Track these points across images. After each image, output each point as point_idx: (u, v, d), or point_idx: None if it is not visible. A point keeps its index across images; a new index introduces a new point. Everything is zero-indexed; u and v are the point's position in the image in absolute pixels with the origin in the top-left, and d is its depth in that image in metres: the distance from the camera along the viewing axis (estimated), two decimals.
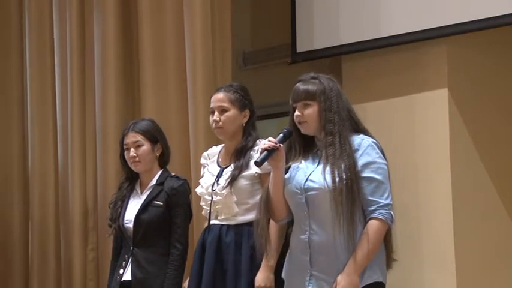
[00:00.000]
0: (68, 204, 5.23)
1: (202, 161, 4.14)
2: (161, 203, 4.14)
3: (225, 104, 3.95)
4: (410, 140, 4.39)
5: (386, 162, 3.46)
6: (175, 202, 4.13)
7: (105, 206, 4.83)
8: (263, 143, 3.50)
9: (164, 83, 4.86)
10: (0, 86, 5.74)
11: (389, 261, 3.50)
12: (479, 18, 4.17)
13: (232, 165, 3.93)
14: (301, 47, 4.92)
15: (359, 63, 4.66)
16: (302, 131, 3.51)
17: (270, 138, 3.48)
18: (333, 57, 4.80)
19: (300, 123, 3.49)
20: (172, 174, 4.25)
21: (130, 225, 4.17)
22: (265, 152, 3.45)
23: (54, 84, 5.39)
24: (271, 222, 3.67)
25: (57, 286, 5.34)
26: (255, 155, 3.88)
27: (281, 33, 5.19)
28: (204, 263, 3.90)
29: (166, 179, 4.19)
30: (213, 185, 3.96)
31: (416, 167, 4.35)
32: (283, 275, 3.62)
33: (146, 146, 4.20)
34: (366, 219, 3.39)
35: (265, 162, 3.52)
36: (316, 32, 4.84)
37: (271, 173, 3.54)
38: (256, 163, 3.49)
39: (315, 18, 4.85)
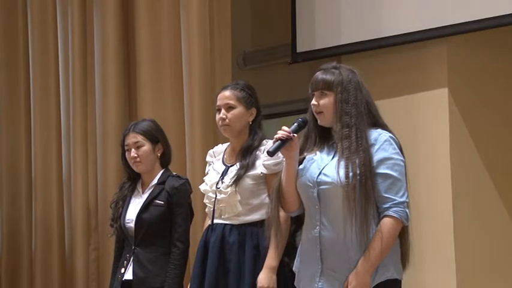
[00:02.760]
0: (70, 205, 5.23)
1: (208, 158, 4.12)
2: (162, 202, 4.14)
3: (232, 102, 3.93)
4: (410, 140, 4.37)
5: (403, 159, 3.34)
6: (176, 201, 4.14)
7: (107, 206, 4.84)
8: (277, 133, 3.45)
9: (161, 83, 4.86)
10: (7, 91, 5.76)
11: (404, 259, 3.39)
12: (479, 18, 4.17)
13: (237, 163, 3.91)
14: (301, 47, 4.92)
15: (359, 63, 4.63)
16: (319, 121, 3.42)
17: (284, 128, 3.40)
18: (333, 57, 4.79)
19: (316, 112, 3.41)
20: (174, 173, 4.25)
21: (132, 224, 4.17)
22: (279, 141, 3.36)
23: (59, 88, 5.40)
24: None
25: (60, 286, 5.34)
26: (261, 155, 3.87)
27: (281, 33, 5.20)
28: (207, 263, 3.90)
29: (167, 179, 4.19)
30: (217, 183, 3.94)
31: (417, 167, 4.34)
32: (294, 268, 3.54)
33: (147, 146, 4.21)
34: (380, 217, 3.29)
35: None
36: (317, 32, 4.84)
37: (284, 163, 3.45)
38: (268, 152, 3.41)
39: (315, 18, 4.85)
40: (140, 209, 4.16)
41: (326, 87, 3.39)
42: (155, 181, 4.21)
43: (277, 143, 3.37)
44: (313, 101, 3.40)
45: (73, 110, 5.22)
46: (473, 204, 4.33)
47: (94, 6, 5.14)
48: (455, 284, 4.22)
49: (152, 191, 4.19)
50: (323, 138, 3.46)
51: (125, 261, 4.18)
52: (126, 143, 4.24)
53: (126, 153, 4.23)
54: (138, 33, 4.93)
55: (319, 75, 3.43)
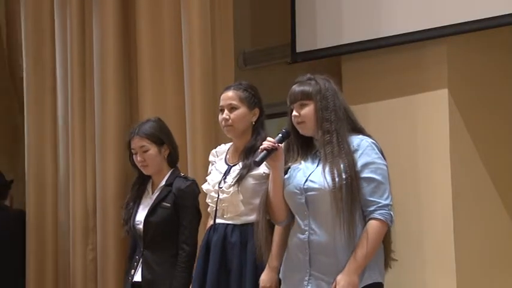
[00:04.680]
0: (68, 205, 5.22)
1: (211, 158, 4.13)
2: (169, 205, 4.14)
3: (235, 102, 3.94)
4: (410, 140, 4.39)
5: (385, 163, 3.46)
6: (183, 203, 4.13)
7: (105, 207, 4.84)
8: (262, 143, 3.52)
9: (162, 84, 4.84)
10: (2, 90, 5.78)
11: (387, 261, 3.50)
12: (479, 18, 4.17)
13: (240, 163, 3.92)
14: (301, 47, 4.92)
15: (359, 63, 4.66)
16: (300, 131, 3.52)
17: (269, 138, 3.50)
18: (332, 57, 4.79)
19: (298, 123, 3.50)
20: (181, 174, 4.25)
21: (141, 226, 4.19)
22: (264, 151, 3.46)
23: (56, 86, 5.39)
24: None
25: (59, 286, 5.34)
26: None
27: (281, 33, 5.20)
28: (209, 263, 3.90)
29: (175, 180, 4.19)
30: (219, 183, 3.95)
31: (417, 167, 4.35)
32: (280, 275, 3.62)
33: (152, 150, 4.21)
34: (365, 220, 3.39)
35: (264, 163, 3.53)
36: (316, 32, 4.84)
37: (270, 174, 3.55)
38: (255, 162, 3.51)
39: (314, 18, 4.85)
40: (148, 212, 4.18)
41: (305, 97, 3.49)
42: (163, 182, 4.21)
43: (263, 153, 3.47)
44: (294, 112, 3.50)
45: (71, 110, 5.20)
46: (473, 204, 4.33)
47: (93, 5, 5.12)
48: (455, 284, 4.21)
49: (160, 193, 4.20)
50: (304, 148, 3.57)
51: (135, 263, 4.22)
52: (132, 147, 4.26)
53: (134, 157, 4.25)
54: (139, 33, 4.91)
55: (296, 88, 3.54)
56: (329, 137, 3.42)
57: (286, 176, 3.54)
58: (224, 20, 4.75)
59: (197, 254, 4.03)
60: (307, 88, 3.49)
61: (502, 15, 4.09)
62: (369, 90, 4.57)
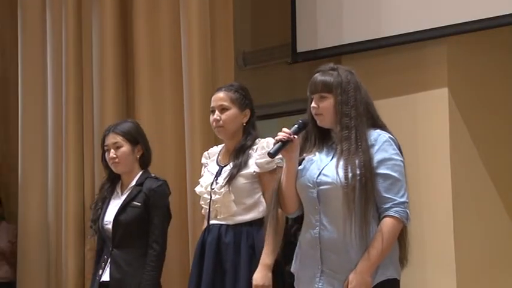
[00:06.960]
0: (66, 205, 5.22)
1: (203, 160, 4.14)
2: (139, 204, 4.15)
3: (226, 103, 3.95)
4: (410, 140, 4.38)
5: (402, 159, 3.36)
6: (153, 203, 4.14)
7: None
8: (278, 134, 3.45)
9: (160, 83, 4.84)
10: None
11: (403, 259, 3.41)
12: (479, 18, 4.18)
13: (231, 164, 3.93)
14: (301, 47, 4.92)
15: (359, 63, 4.65)
16: (318, 123, 3.43)
17: (284, 129, 3.41)
18: (333, 57, 4.79)
19: (316, 115, 3.42)
20: (152, 175, 4.25)
21: (110, 226, 4.18)
22: (279, 143, 3.38)
23: (47, 84, 5.39)
24: None
25: (57, 285, 5.34)
26: (254, 154, 3.88)
27: (281, 33, 5.20)
28: (204, 263, 3.91)
29: (145, 180, 4.20)
30: (211, 184, 3.96)
31: (417, 167, 4.35)
32: (292, 269, 3.55)
33: (125, 147, 4.22)
34: (380, 217, 3.30)
35: (265, 159, 3.51)
36: (317, 32, 4.84)
37: (284, 165, 3.46)
38: (269, 154, 3.42)
39: (315, 18, 4.85)
40: (117, 211, 4.18)
41: (325, 89, 3.40)
42: (134, 182, 4.22)
43: (277, 144, 3.38)
44: (313, 104, 3.42)
45: (66, 110, 5.18)
46: (473, 204, 4.33)
47: (92, 6, 5.11)
48: (455, 284, 4.22)
49: (130, 192, 4.21)
50: (322, 139, 3.47)
51: (103, 263, 4.21)
52: (105, 144, 4.27)
53: (106, 154, 4.25)
54: (137, 33, 4.90)
55: (318, 77, 3.44)
56: (347, 133, 3.33)
57: (299, 168, 3.44)
58: (224, 20, 4.75)
59: (194, 255, 4.04)
60: (328, 79, 3.40)
61: (502, 15, 4.10)
62: (369, 90, 4.55)
